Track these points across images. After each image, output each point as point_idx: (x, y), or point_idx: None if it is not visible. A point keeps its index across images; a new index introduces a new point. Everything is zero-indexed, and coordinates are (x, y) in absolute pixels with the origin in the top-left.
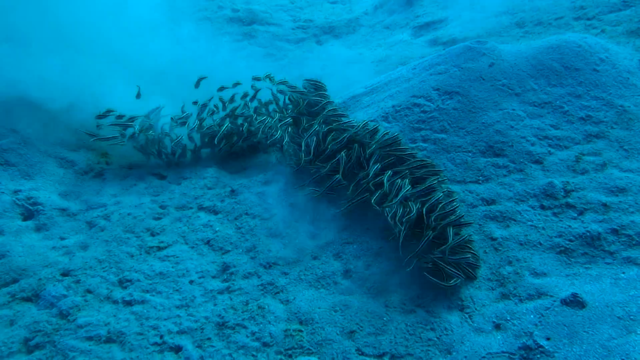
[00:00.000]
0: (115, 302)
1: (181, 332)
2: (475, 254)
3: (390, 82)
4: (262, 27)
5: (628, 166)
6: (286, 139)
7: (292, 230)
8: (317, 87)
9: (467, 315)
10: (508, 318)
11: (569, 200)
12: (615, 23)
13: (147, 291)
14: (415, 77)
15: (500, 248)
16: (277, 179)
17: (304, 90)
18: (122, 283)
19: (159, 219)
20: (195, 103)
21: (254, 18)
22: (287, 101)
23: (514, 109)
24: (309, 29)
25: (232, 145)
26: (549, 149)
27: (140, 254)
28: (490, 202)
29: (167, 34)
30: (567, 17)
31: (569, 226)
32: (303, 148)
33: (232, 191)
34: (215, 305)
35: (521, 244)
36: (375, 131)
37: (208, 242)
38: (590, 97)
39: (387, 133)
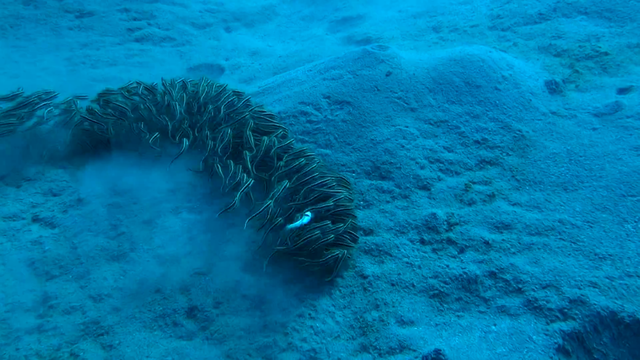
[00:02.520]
0: None
1: None
2: None
3: (283, 83)
4: (167, 7)
5: (517, 199)
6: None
7: (138, 253)
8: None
9: None
10: None
11: (451, 235)
12: (528, 37)
13: None
14: (309, 80)
15: (369, 288)
16: None
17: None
18: None
19: None
20: None
21: None
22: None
23: (407, 126)
24: (219, 13)
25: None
26: (439, 173)
27: None
28: (368, 232)
29: None
30: (483, 26)
31: (447, 266)
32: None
33: (79, 200)
34: (17, 350)
35: (393, 285)
36: None
37: (32, 264)
38: (488, 119)
39: None
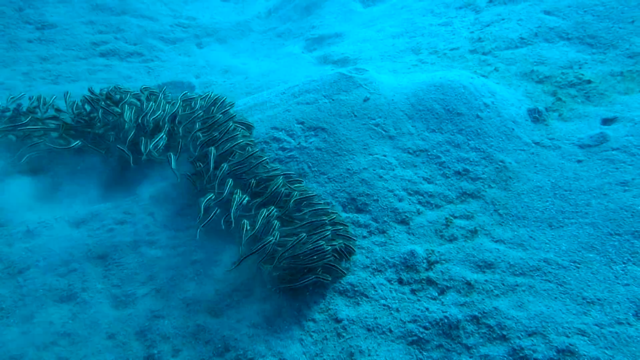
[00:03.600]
0: None
1: None
2: None
3: (255, 106)
4: (135, 20)
5: (500, 235)
6: None
7: (91, 293)
8: None
9: None
10: None
11: (431, 274)
12: (510, 62)
13: None
14: (282, 104)
15: (344, 334)
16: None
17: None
18: None
19: None
20: None
21: (126, 8)
22: None
23: (385, 155)
24: (190, 28)
25: None
26: (419, 206)
27: None
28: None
29: None
30: (464, 49)
31: (427, 309)
32: None
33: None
34: None
35: (369, 330)
36: None
37: None
38: (469, 148)
39: None
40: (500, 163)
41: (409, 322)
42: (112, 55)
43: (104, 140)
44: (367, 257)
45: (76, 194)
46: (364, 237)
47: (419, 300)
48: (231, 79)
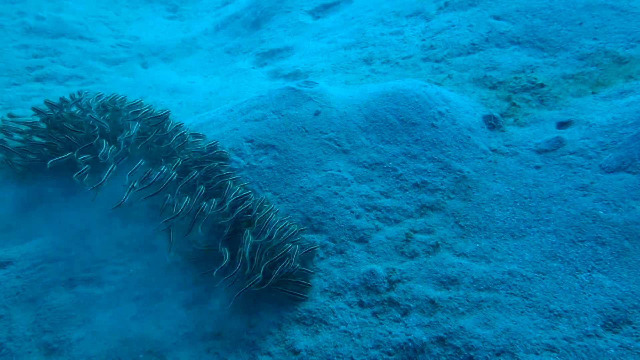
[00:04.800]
0: None
1: None
2: None
3: (202, 125)
4: (73, 42)
5: (462, 249)
6: None
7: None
8: None
9: None
10: None
11: (393, 294)
12: (463, 68)
13: None
14: (229, 122)
15: None
16: None
17: None
18: None
19: None
20: None
21: (63, 30)
22: None
23: (339, 170)
24: (133, 47)
25: None
26: (377, 223)
27: None
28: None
29: None
30: (416, 57)
31: (390, 332)
32: None
33: None
34: None
35: None
36: None
37: None
38: (426, 159)
39: None
40: (459, 172)
41: (372, 348)
42: (49, 79)
43: None
44: (324, 280)
45: None
46: (322, 258)
47: (381, 323)
48: (179, 98)
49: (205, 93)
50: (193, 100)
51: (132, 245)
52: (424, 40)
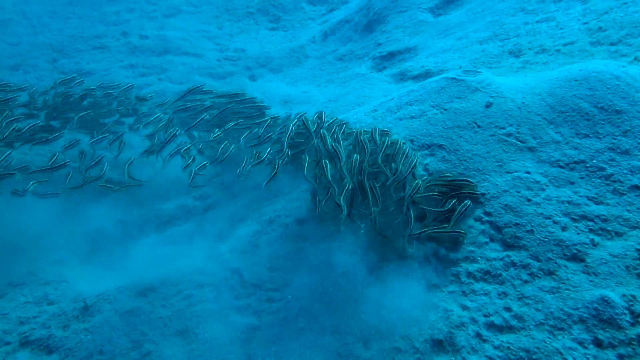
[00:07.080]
0: None
1: None
2: None
3: None
4: (179, 58)
5: None
6: None
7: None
8: None
9: None
10: None
11: None
12: None
13: None
14: (376, 123)
15: None
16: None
17: None
18: None
19: None
20: None
21: (167, 47)
22: None
23: (528, 172)
24: (240, 60)
25: None
26: (592, 236)
27: None
28: (505, 329)
29: None
30: (582, 42)
31: None
32: None
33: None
34: None
35: None
36: None
37: None
38: None
39: None
40: None
41: None
42: (158, 97)
43: None
44: (536, 309)
45: None
46: (526, 281)
47: None
48: (294, 109)
49: (324, 102)
50: (312, 109)
51: None
52: (586, 23)
